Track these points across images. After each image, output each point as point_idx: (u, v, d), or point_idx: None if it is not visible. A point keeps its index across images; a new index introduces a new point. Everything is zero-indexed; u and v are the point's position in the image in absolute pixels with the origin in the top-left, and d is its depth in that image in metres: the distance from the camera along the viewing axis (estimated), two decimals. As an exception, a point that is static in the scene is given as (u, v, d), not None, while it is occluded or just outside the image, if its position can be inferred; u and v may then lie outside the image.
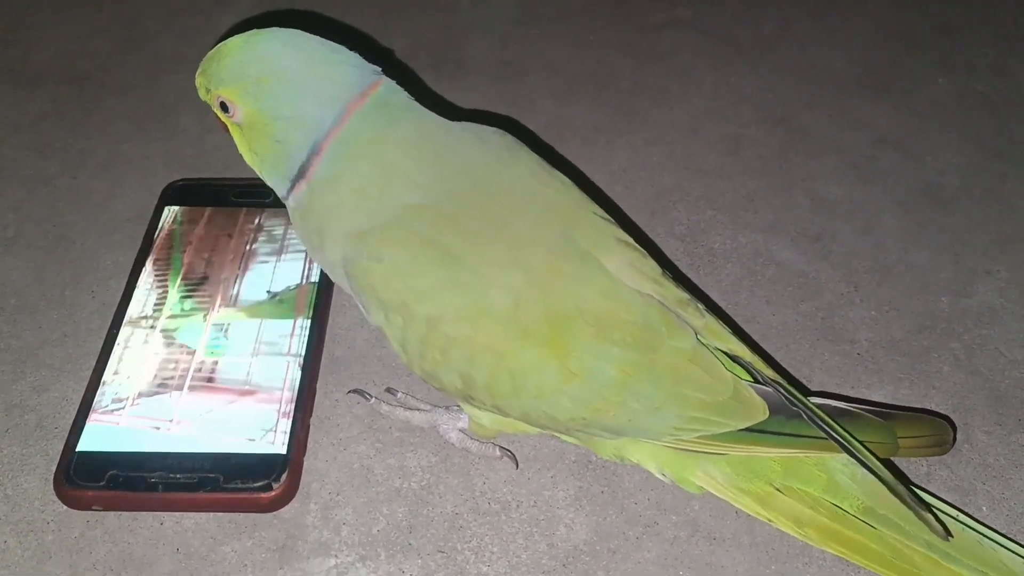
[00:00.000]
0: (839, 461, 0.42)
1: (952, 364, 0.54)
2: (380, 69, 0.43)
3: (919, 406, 0.51)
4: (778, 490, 0.43)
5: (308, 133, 0.41)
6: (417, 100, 0.44)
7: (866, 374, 0.53)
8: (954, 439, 0.48)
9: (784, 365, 0.53)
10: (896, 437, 0.43)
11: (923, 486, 0.47)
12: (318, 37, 0.42)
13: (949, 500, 0.47)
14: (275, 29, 0.43)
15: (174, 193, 0.58)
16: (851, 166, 0.67)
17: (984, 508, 0.47)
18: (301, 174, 0.42)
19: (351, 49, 0.43)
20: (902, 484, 0.41)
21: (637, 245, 0.44)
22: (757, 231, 0.62)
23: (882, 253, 0.60)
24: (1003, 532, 0.45)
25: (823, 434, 0.41)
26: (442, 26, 0.78)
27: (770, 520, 0.43)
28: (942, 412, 0.51)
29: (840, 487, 0.42)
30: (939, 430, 0.45)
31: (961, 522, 0.42)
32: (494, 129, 0.45)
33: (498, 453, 0.48)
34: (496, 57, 0.75)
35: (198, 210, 0.57)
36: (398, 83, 0.43)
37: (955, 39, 0.80)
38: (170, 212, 0.57)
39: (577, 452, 0.48)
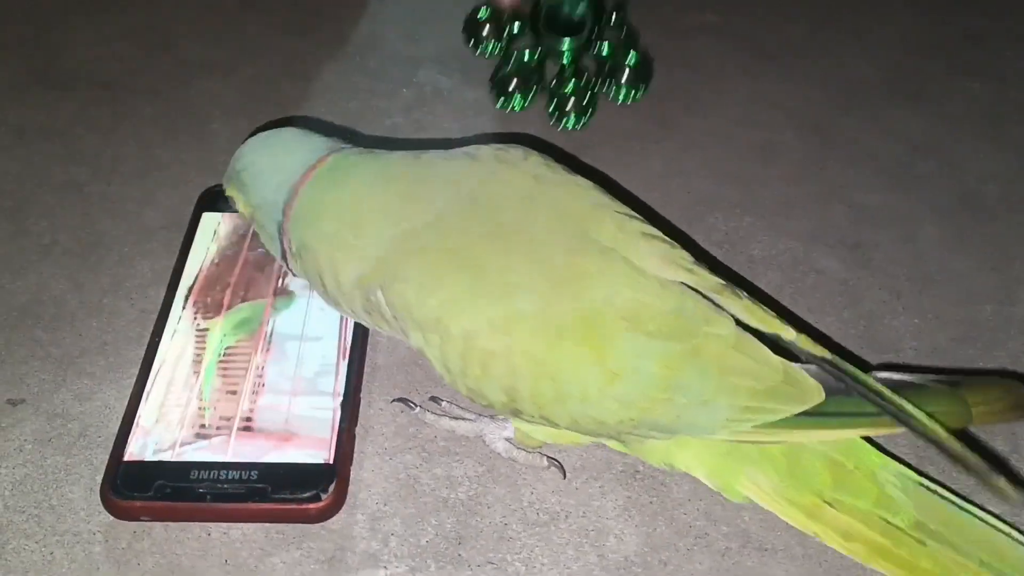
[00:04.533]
0: (889, 472, 0.41)
1: (1000, 375, 0.53)
2: (339, 144, 0.47)
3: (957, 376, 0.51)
4: (826, 502, 0.41)
5: (272, 217, 0.46)
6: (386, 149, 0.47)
7: (912, 384, 0.53)
8: None
9: (829, 374, 0.53)
10: (968, 405, 0.41)
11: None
12: (295, 129, 0.49)
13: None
14: (270, 131, 0.49)
15: (211, 199, 0.58)
16: (888, 174, 0.67)
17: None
18: (284, 251, 0.46)
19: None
20: (972, 453, 0.39)
21: (666, 237, 0.43)
22: (796, 239, 0.61)
23: (923, 262, 0.60)
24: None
25: (883, 410, 0.40)
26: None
27: (816, 534, 0.42)
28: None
29: (892, 500, 0.41)
30: (1016, 391, 0.43)
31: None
32: (494, 145, 0.46)
33: (545, 463, 0.47)
34: (526, 62, 0.75)
35: (236, 216, 0.57)
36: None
37: (982, 46, 0.79)
38: (207, 219, 0.56)
39: (624, 461, 0.48)
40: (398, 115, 0.68)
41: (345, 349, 0.50)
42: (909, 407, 0.40)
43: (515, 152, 0.45)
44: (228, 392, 0.48)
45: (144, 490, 0.43)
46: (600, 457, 0.48)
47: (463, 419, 0.49)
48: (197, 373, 0.48)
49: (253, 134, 0.49)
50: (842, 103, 0.73)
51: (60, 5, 0.78)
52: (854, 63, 0.77)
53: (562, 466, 0.47)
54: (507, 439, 0.47)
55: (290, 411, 0.47)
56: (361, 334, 0.51)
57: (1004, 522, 0.42)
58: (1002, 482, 0.38)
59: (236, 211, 0.50)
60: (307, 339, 0.50)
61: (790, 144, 0.69)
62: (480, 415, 0.49)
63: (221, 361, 0.49)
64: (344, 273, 0.43)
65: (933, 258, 0.60)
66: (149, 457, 0.45)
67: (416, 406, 0.49)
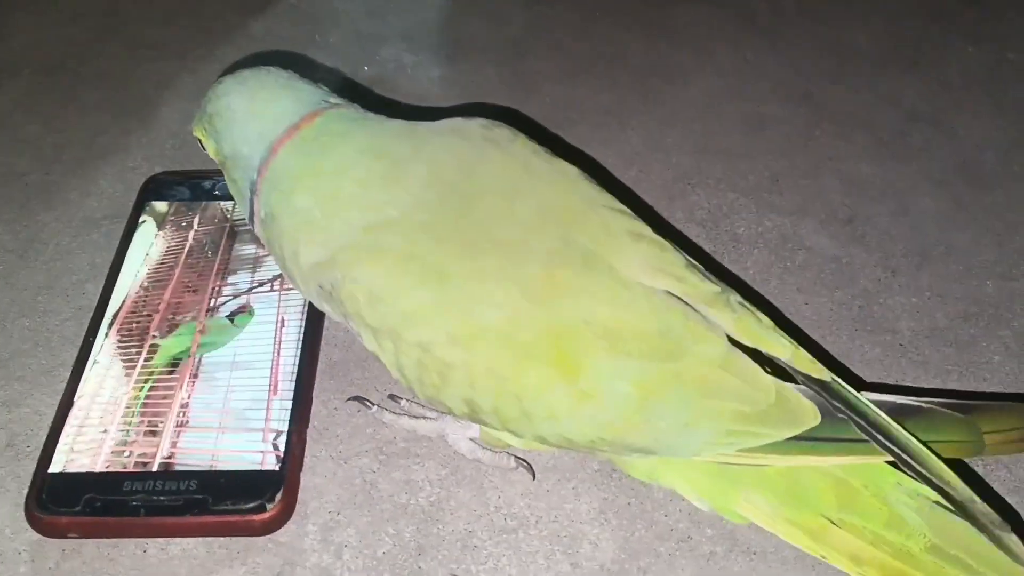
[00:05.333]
0: (902, 492, 0.37)
1: (1003, 353, 0.50)
2: (327, 99, 0.42)
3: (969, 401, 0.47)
4: (833, 523, 0.37)
5: (245, 172, 0.41)
6: (380, 114, 0.42)
7: (911, 367, 0.49)
8: None
9: (822, 359, 0.48)
10: (981, 433, 0.38)
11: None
12: (280, 72, 0.43)
13: (1011, 503, 0.43)
14: (250, 68, 0.43)
15: (155, 188, 0.54)
16: (882, 144, 0.63)
17: (1050, 512, 0.43)
18: (252, 213, 0.41)
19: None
20: (977, 497, 0.35)
21: (657, 237, 0.40)
22: (784, 214, 0.57)
23: (919, 235, 0.56)
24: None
25: (873, 440, 0.36)
26: (439, 5, 0.74)
27: (824, 557, 0.38)
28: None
29: (904, 522, 0.37)
30: None
31: None
32: (482, 122, 0.42)
33: (513, 463, 0.43)
34: (499, 36, 0.71)
35: (180, 205, 0.53)
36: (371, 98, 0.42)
37: (981, 7, 0.75)
38: (150, 208, 0.53)
39: (600, 459, 0.44)
40: (359, 96, 0.64)
41: (297, 346, 0.46)
42: (904, 438, 0.36)
43: (502, 132, 0.42)
44: (162, 395, 0.44)
45: (72, 505, 0.40)
46: (574, 456, 0.44)
47: (424, 418, 0.45)
48: (128, 381, 0.44)
49: (232, 70, 0.44)
50: (833, 71, 0.69)
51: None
52: (846, 29, 0.73)
53: (531, 467, 0.44)
54: (472, 439, 0.44)
55: (231, 412, 0.43)
56: (314, 327, 0.47)
57: None
58: (1011, 539, 0.35)
59: (203, 155, 0.45)
60: (252, 335, 0.47)
61: (777, 115, 0.65)
62: (443, 414, 0.45)
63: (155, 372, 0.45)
64: (304, 255, 0.39)
65: (930, 231, 0.56)
66: (77, 469, 0.41)
67: (373, 405, 0.46)
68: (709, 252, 0.55)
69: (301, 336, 0.47)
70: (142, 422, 0.43)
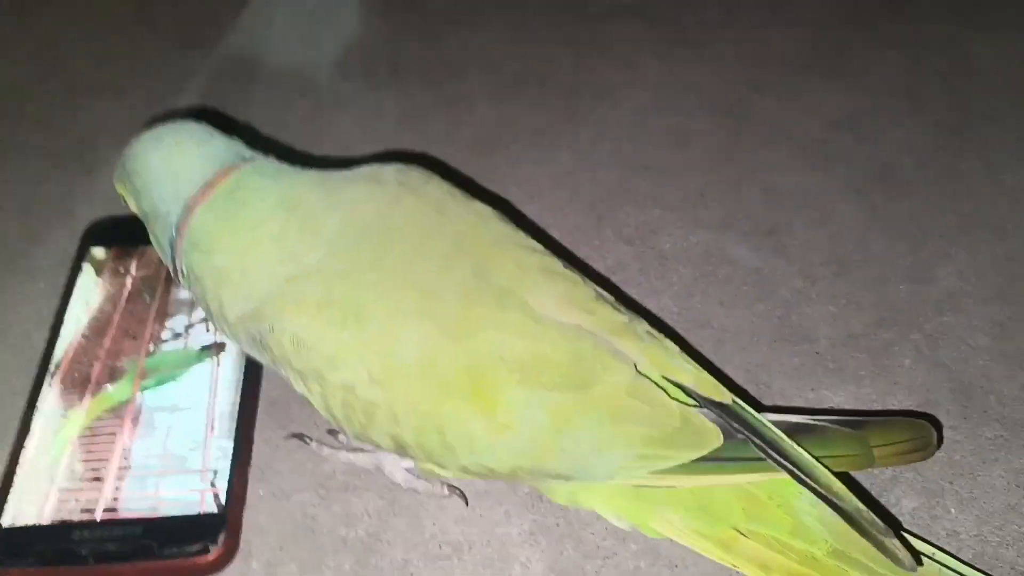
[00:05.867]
0: (804, 501, 0.40)
1: (914, 357, 0.52)
2: (243, 153, 0.43)
3: (881, 405, 0.50)
4: (742, 534, 0.40)
5: (165, 230, 0.43)
6: (296, 165, 0.44)
7: (826, 374, 0.51)
8: (939, 440, 0.45)
9: (742, 370, 0.51)
10: (870, 447, 0.40)
11: (892, 511, 0.45)
12: (197, 127, 0.44)
13: (916, 503, 0.46)
14: (167, 124, 0.45)
15: (96, 233, 0.56)
16: (804, 153, 0.65)
17: (953, 510, 0.45)
18: (175, 267, 0.43)
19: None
20: (864, 507, 0.38)
21: (568, 271, 0.42)
22: (708, 229, 0.59)
23: (838, 244, 0.59)
24: (974, 534, 0.44)
25: (770, 459, 0.39)
26: (374, 29, 0.76)
27: (735, 566, 0.40)
28: (907, 407, 0.50)
29: (807, 529, 0.39)
30: (920, 432, 0.42)
31: (938, 561, 0.40)
32: (397, 167, 0.43)
33: (447, 491, 0.45)
34: (432, 58, 0.73)
35: (119, 251, 0.54)
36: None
37: (905, 12, 0.77)
38: (93, 254, 0.54)
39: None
40: (295, 126, 0.66)
41: (237, 387, 0.48)
42: (797, 454, 0.39)
43: (416, 175, 0.43)
44: (105, 442, 0.46)
45: (23, 557, 0.42)
46: (504, 481, 0.46)
47: (361, 451, 0.47)
48: (72, 430, 0.46)
49: (149, 126, 0.45)
50: (758, 81, 0.71)
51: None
52: (774, 39, 0.75)
53: (464, 494, 0.46)
54: (407, 469, 0.46)
55: (171, 456, 0.45)
56: (253, 368, 0.49)
57: (920, 539, 0.42)
58: (893, 543, 0.37)
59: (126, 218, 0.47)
60: (190, 377, 0.48)
61: (703, 129, 0.67)
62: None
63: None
64: (230, 309, 0.41)
65: (848, 239, 0.59)
66: (26, 521, 0.43)
67: (312, 440, 0.48)
68: (636, 270, 0.57)
69: (241, 377, 0.49)
70: (86, 470, 0.45)
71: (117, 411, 0.47)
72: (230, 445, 0.46)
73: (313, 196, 0.42)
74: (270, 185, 0.42)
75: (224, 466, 0.45)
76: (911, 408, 0.50)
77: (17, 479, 0.44)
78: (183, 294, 0.52)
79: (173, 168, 0.42)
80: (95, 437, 0.46)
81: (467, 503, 0.46)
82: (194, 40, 0.73)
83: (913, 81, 0.71)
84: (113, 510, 0.43)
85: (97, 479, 0.44)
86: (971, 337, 0.53)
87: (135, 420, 0.47)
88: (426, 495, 0.46)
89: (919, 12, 0.77)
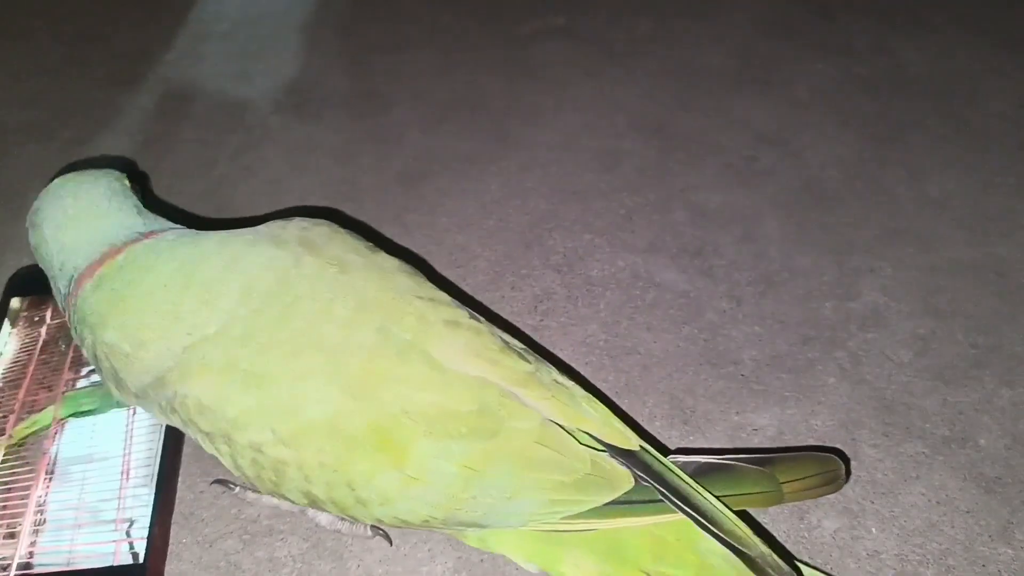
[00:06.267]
0: (710, 542, 0.40)
1: (838, 375, 0.53)
2: (139, 227, 0.44)
3: (805, 425, 0.50)
4: (650, 575, 0.40)
5: (60, 294, 0.43)
6: (197, 230, 0.44)
7: (751, 396, 0.52)
8: (848, 473, 0.46)
9: (667, 395, 0.52)
10: (779, 483, 0.41)
11: (808, 534, 0.46)
12: (99, 188, 0.45)
13: (837, 524, 0.46)
14: (77, 176, 0.45)
15: (20, 282, 0.55)
16: (730, 170, 0.65)
17: (874, 529, 0.46)
18: (73, 333, 0.43)
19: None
20: (767, 550, 0.38)
21: (472, 321, 0.42)
22: (636, 252, 0.60)
23: (764, 262, 0.59)
24: (895, 553, 0.45)
25: (670, 502, 0.39)
26: (303, 62, 0.76)
27: None
28: (829, 427, 0.50)
29: (713, 569, 0.40)
30: (827, 466, 0.43)
31: None
32: (299, 223, 0.43)
33: (370, 532, 0.45)
34: (361, 89, 0.73)
35: (33, 300, 0.54)
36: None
37: (834, 21, 0.78)
38: (17, 304, 0.54)
39: (453, 521, 0.46)
40: (225, 163, 0.66)
41: (159, 435, 0.48)
42: (700, 500, 0.39)
43: (320, 232, 0.43)
44: (20, 496, 0.45)
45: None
46: (429, 518, 0.46)
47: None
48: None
49: (58, 175, 0.46)
50: (687, 97, 0.71)
51: None
52: (703, 54, 0.76)
53: (387, 534, 0.46)
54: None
55: (86, 507, 0.45)
56: (176, 415, 0.49)
57: (827, 575, 0.42)
58: None
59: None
60: (106, 426, 0.48)
61: (631, 149, 0.67)
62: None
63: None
64: (127, 380, 0.41)
65: (774, 257, 0.59)
66: (10, 564, 0.43)
67: (236, 486, 0.47)
68: (564, 297, 0.57)
69: (163, 424, 0.48)
70: (0, 525, 0.44)
71: (30, 461, 0.47)
72: (150, 493, 0.46)
73: (209, 268, 0.41)
74: (162, 262, 0.42)
75: (143, 515, 0.45)
76: (833, 427, 0.50)
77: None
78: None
79: (63, 240, 0.43)
80: (10, 492, 0.46)
81: (391, 543, 0.46)
82: (124, 79, 0.73)
83: (840, 91, 0.72)
84: (28, 566, 0.43)
85: (12, 535, 0.44)
86: (894, 353, 0.54)
87: (50, 473, 0.46)
88: (350, 536, 0.46)
89: (847, 19, 0.78)
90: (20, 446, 0.47)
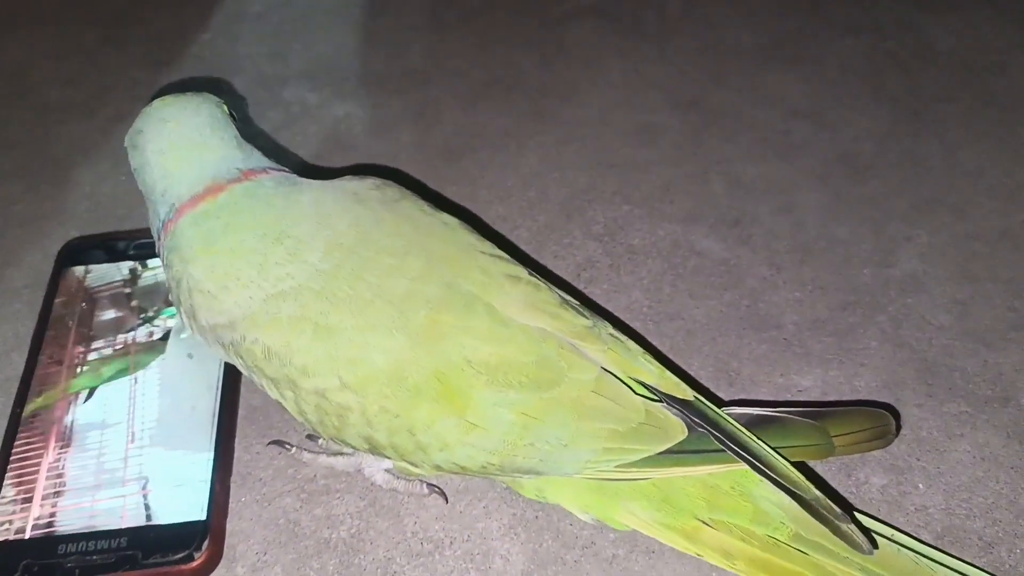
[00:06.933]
0: (764, 488, 0.41)
1: (879, 339, 0.53)
2: (241, 164, 0.43)
3: (849, 386, 0.51)
4: (705, 523, 0.41)
5: (155, 215, 0.43)
6: (294, 176, 0.44)
7: (794, 359, 0.52)
8: (898, 428, 0.47)
9: (712, 358, 0.52)
10: (830, 437, 0.42)
11: (856, 490, 0.46)
12: (206, 115, 0.44)
13: (885, 481, 0.47)
14: (178, 99, 0.44)
15: (71, 253, 0.56)
16: (766, 143, 0.66)
17: (921, 486, 0.47)
18: (161, 254, 0.43)
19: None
20: (821, 495, 0.39)
21: (532, 277, 0.43)
22: (675, 222, 0.61)
23: (802, 231, 0.60)
24: (942, 508, 0.45)
25: (729, 450, 0.40)
26: (338, 42, 0.76)
27: (699, 555, 0.42)
28: (873, 388, 0.51)
29: (768, 516, 0.41)
30: (878, 421, 0.43)
31: (897, 541, 0.41)
32: (374, 182, 0.44)
33: (426, 490, 0.46)
34: (399, 68, 0.74)
35: (97, 268, 0.55)
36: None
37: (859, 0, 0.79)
38: (68, 273, 0.55)
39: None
40: (264, 139, 0.67)
41: (216, 397, 0.49)
42: (757, 447, 0.40)
43: (392, 192, 0.44)
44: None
45: (11, 571, 0.42)
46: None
47: (341, 454, 0.48)
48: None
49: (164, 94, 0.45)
50: (719, 73, 0.72)
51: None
52: (733, 32, 0.77)
53: (443, 491, 0.47)
54: (387, 470, 0.47)
55: (160, 469, 0.46)
56: (232, 378, 0.50)
57: (879, 521, 0.43)
58: (850, 528, 0.39)
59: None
60: (168, 394, 0.49)
61: (667, 124, 0.68)
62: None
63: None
64: (201, 315, 0.42)
65: (812, 226, 0.60)
66: (13, 535, 0.43)
67: (292, 446, 0.48)
68: (607, 266, 0.58)
69: (219, 387, 0.49)
70: (61, 484, 0.45)
71: (44, 431, 0.48)
72: (210, 454, 0.46)
73: (303, 222, 0.41)
74: (262, 210, 0.42)
75: (204, 474, 0.46)
76: (877, 388, 0.51)
77: (3, 498, 0.45)
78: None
79: (166, 165, 0.42)
80: (25, 461, 0.47)
81: (447, 500, 0.46)
82: (161, 59, 0.74)
83: (870, 67, 0.72)
84: (50, 525, 0.44)
85: (75, 492, 0.45)
86: (934, 317, 0.54)
87: (66, 440, 0.47)
88: (406, 495, 0.47)
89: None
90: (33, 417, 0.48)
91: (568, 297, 0.44)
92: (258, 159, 0.44)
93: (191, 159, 0.43)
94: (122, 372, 0.50)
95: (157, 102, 0.44)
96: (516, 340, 0.40)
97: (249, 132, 0.55)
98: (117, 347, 0.51)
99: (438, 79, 0.73)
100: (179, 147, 0.43)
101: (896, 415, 0.49)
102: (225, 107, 0.45)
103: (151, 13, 0.79)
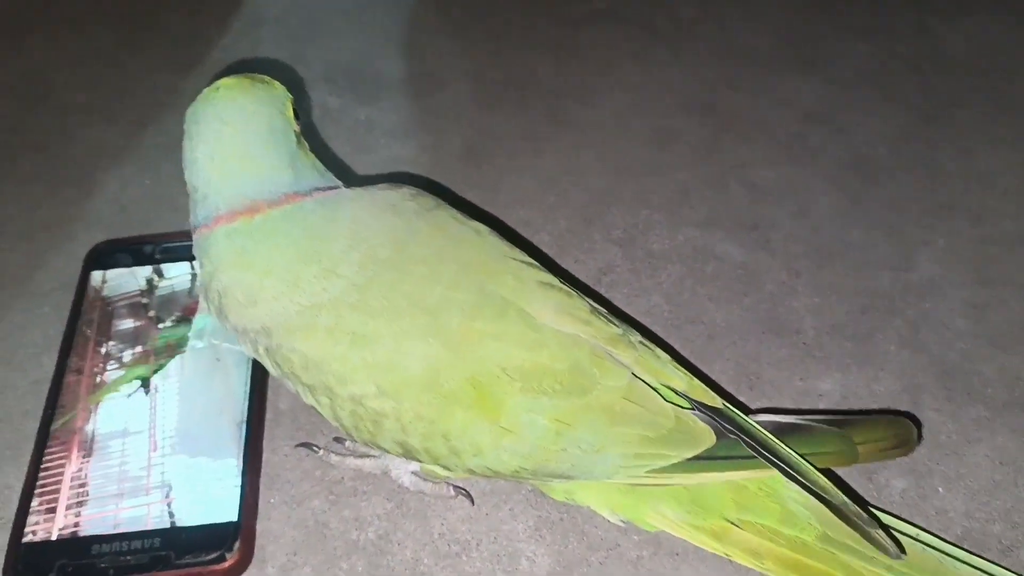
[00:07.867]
0: (792, 489, 0.42)
1: (898, 343, 0.54)
2: (284, 189, 0.41)
3: (868, 391, 0.52)
4: (733, 524, 0.42)
5: (194, 210, 0.42)
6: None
7: (814, 364, 0.53)
8: (919, 436, 0.48)
9: (732, 363, 0.53)
10: (854, 444, 0.43)
11: (877, 494, 0.47)
12: (271, 122, 0.41)
13: (905, 484, 0.47)
14: (243, 96, 0.41)
15: (98, 257, 0.57)
16: (781, 147, 0.67)
17: (941, 489, 0.47)
18: (195, 242, 0.43)
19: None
20: (849, 500, 0.40)
21: (563, 285, 0.44)
22: (694, 227, 0.61)
23: (819, 235, 0.60)
24: (962, 511, 0.46)
25: (761, 457, 0.41)
26: (357, 46, 0.77)
27: (728, 555, 0.42)
28: (892, 392, 0.51)
29: (795, 516, 0.42)
30: (901, 429, 0.45)
31: (922, 541, 0.42)
32: (410, 191, 0.45)
33: (453, 492, 0.47)
34: (415, 71, 0.74)
35: (114, 278, 0.56)
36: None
37: (872, 4, 0.79)
38: (96, 277, 0.55)
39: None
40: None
41: (244, 400, 0.50)
42: (785, 453, 0.41)
43: (426, 201, 0.44)
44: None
45: (45, 572, 0.43)
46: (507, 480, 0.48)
47: (368, 456, 0.48)
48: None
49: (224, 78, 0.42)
50: (733, 78, 0.73)
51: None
52: (747, 35, 0.77)
53: (469, 494, 0.47)
54: (413, 472, 0.47)
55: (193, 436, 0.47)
56: (260, 382, 0.51)
57: (904, 521, 0.44)
58: (878, 533, 0.40)
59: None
60: (194, 398, 0.50)
61: (683, 127, 0.69)
62: (385, 451, 0.48)
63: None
64: (233, 319, 0.42)
65: (829, 230, 0.61)
66: (48, 536, 0.44)
67: (320, 449, 0.49)
68: (627, 270, 0.58)
69: (247, 393, 0.50)
70: (87, 486, 0.46)
71: (65, 441, 0.48)
72: (239, 456, 0.47)
73: (339, 242, 0.41)
74: (294, 237, 0.41)
75: (234, 476, 0.46)
76: (896, 393, 0.51)
77: (36, 498, 0.45)
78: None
79: (211, 174, 0.41)
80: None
81: (473, 502, 0.47)
82: (182, 63, 0.74)
83: (884, 71, 0.73)
84: (122, 525, 0.45)
85: (104, 496, 0.46)
86: (952, 321, 0.55)
87: (87, 449, 0.48)
88: (433, 497, 0.47)
89: (887, 3, 0.79)
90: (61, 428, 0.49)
91: (598, 306, 0.44)
92: (308, 179, 0.42)
93: (237, 173, 0.41)
94: (144, 380, 0.51)
95: (223, 91, 0.41)
96: (549, 346, 0.41)
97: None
98: (137, 354, 0.52)
99: (454, 82, 0.73)
100: (228, 158, 0.41)
101: (918, 423, 0.49)
102: (290, 106, 0.43)
103: (168, 17, 0.79)
